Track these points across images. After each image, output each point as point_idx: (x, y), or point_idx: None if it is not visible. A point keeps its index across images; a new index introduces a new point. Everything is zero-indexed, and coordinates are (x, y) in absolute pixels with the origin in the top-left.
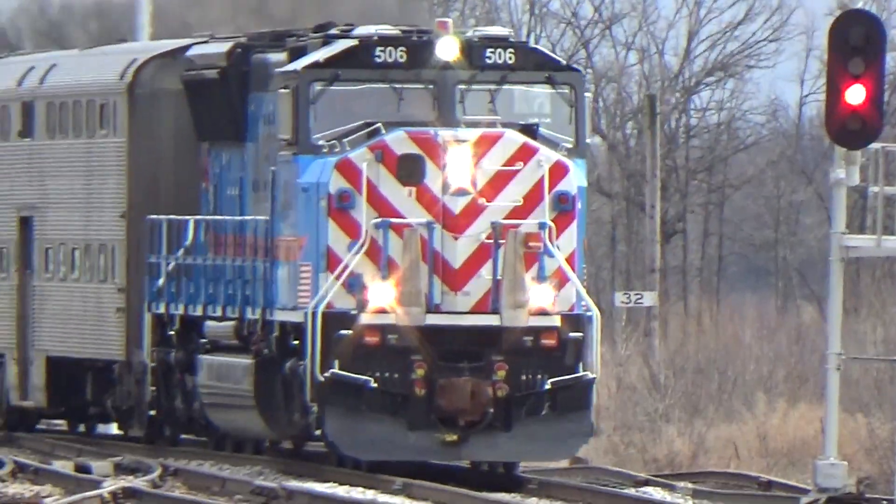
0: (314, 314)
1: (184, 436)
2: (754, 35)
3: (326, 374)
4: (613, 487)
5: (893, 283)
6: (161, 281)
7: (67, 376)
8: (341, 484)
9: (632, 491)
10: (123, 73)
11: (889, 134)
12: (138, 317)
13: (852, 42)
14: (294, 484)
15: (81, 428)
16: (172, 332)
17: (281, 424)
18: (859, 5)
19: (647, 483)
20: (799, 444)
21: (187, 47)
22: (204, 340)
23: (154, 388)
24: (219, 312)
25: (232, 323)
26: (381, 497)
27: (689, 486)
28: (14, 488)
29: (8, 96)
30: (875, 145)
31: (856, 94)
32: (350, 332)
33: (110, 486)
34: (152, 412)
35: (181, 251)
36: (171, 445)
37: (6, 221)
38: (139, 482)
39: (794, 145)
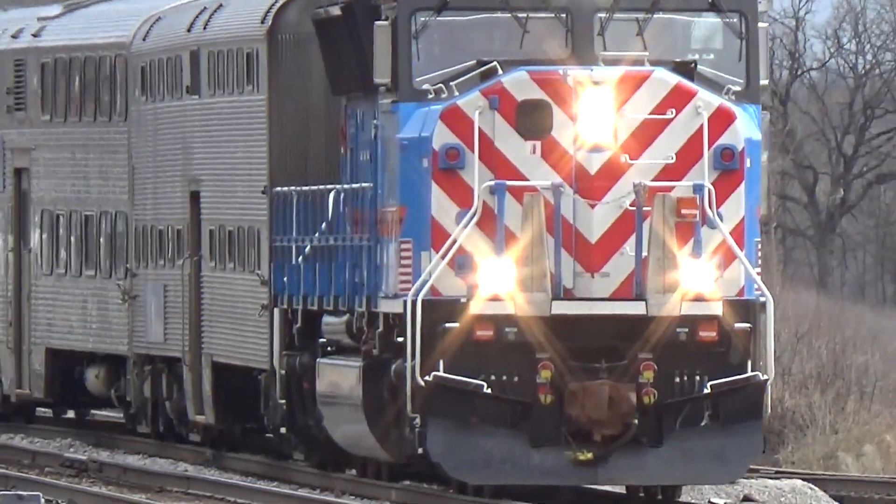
0: (413, 303)
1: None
2: None
3: (428, 378)
4: None
5: None
6: (287, 269)
7: (240, 387)
8: None
9: None
10: (265, 15)
11: None
12: None
13: None
14: (104, 456)
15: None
16: (295, 332)
17: (394, 442)
18: None
19: None
20: None
21: None
22: (323, 340)
23: (283, 401)
24: (331, 305)
25: (344, 318)
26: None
27: None
28: None
29: (180, 44)
30: None
31: None
32: (457, 324)
33: None
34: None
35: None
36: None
37: (178, 197)
38: None
39: None
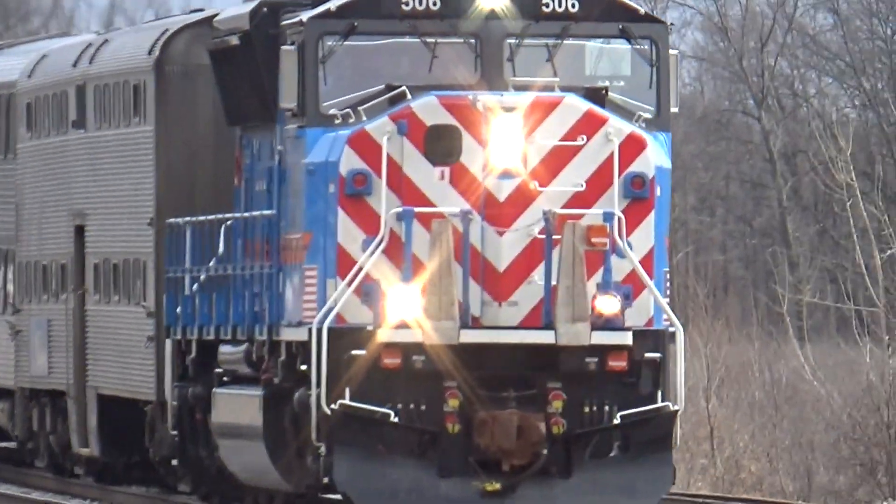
0: (319, 331)
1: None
2: None
3: (334, 406)
4: None
5: None
6: (180, 299)
7: (125, 419)
8: None
9: None
10: (152, 47)
11: None
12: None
13: None
14: None
15: None
16: (189, 363)
17: (294, 472)
18: None
19: None
20: None
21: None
22: (220, 371)
23: (175, 432)
24: (230, 335)
25: (243, 347)
26: None
27: None
28: None
29: (65, 79)
30: None
31: None
32: (364, 352)
33: None
34: (174, 462)
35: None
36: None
37: (63, 232)
38: None
39: None
